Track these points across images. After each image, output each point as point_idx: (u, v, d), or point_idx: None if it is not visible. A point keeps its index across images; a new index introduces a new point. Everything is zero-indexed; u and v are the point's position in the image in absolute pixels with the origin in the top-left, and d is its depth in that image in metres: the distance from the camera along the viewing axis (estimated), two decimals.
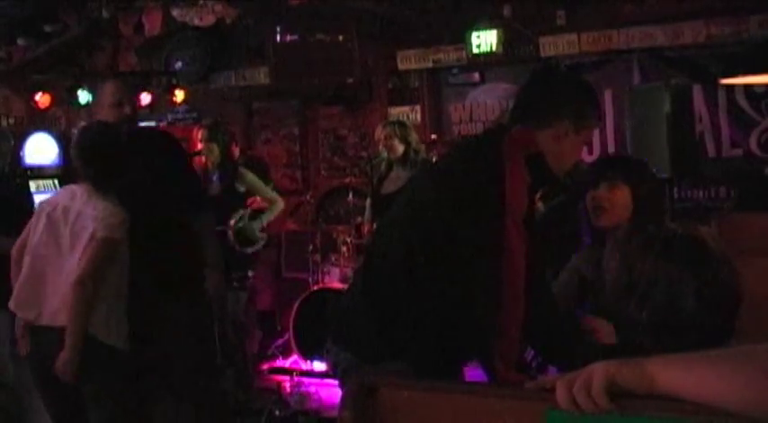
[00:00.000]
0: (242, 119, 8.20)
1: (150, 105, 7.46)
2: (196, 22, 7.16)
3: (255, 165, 6.47)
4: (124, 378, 3.46)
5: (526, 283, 2.33)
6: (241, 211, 5.70)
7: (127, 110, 3.85)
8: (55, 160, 9.00)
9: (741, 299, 1.69)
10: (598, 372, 1.16)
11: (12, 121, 9.07)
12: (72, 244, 3.39)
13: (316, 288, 6.21)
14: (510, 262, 2.29)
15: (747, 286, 1.70)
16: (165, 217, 3.83)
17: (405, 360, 2.33)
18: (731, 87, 6.12)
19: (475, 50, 6.86)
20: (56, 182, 8.82)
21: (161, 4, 7.47)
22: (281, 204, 5.94)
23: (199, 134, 5.88)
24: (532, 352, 2.77)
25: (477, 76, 7.34)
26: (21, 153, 8.59)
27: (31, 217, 3.91)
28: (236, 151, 6.10)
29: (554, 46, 6.71)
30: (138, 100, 7.77)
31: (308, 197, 7.14)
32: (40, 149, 8.88)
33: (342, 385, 2.53)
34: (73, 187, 3.55)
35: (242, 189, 5.79)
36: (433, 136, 6.72)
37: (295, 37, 7.46)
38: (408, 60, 7.37)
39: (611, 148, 6.63)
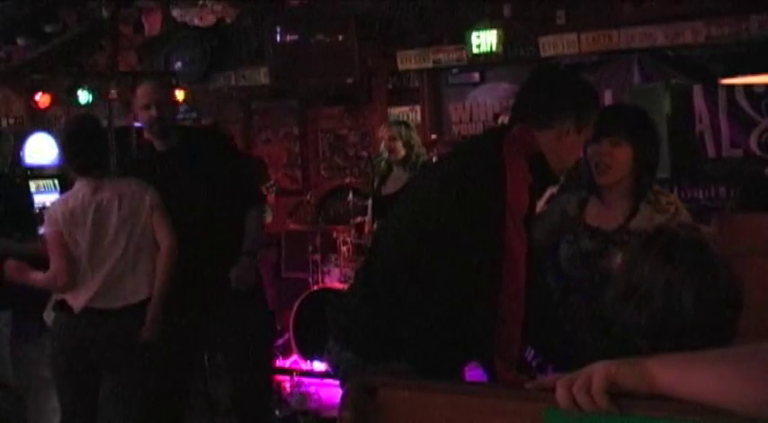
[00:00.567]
0: (242, 119, 8.21)
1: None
2: (196, 22, 7.17)
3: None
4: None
5: (526, 282, 2.33)
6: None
7: (154, 112, 3.85)
8: (55, 160, 9.01)
9: (742, 303, 1.68)
10: (598, 372, 1.16)
11: (12, 121, 9.07)
12: (124, 227, 3.46)
13: (316, 288, 6.21)
14: (510, 262, 2.29)
15: (747, 287, 1.70)
16: (209, 215, 3.85)
17: (405, 360, 2.33)
18: (731, 87, 6.13)
19: (475, 50, 6.86)
20: (56, 182, 8.84)
21: (161, 4, 7.48)
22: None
23: None
24: (532, 352, 2.77)
25: (477, 76, 7.35)
26: (21, 153, 8.61)
27: (31, 217, 3.93)
28: None
29: (554, 46, 6.71)
30: None
31: (307, 197, 7.14)
32: (40, 149, 8.90)
33: (342, 385, 2.53)
34: (75, 192, 3.54)
35: None
36: (433, 136, 6.72)
37: (295, 37, 7.47)
38: (408, 60, 7.37)
39: None
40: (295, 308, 6.13)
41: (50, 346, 3.56)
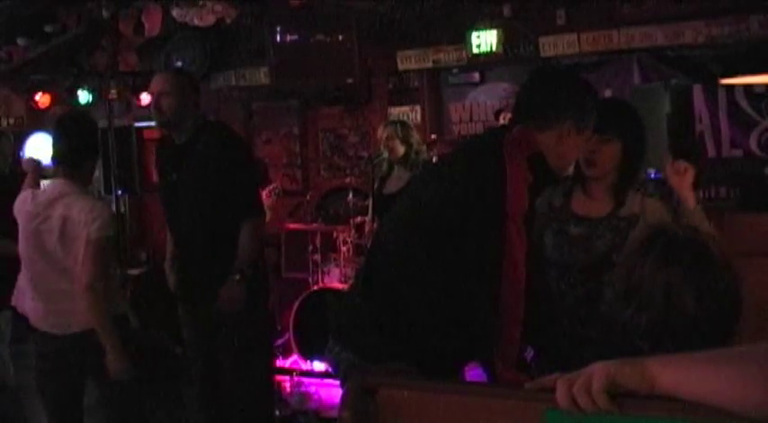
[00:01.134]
0: (242, 119, 8.20)
1: (150, 106, 7.45)
2: (196, 21, 7.16)
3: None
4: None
5: (526, 282, 2.33)
6: None
7: (162, 104, 3.84)
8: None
9: (743, 304, 1.68)
10: (598, 372, 1.16)
11: (12, 121, 9.07)
12: (64, 251, 3.40)
13: (316, 288, 6.21)
14: (510, 262, 2.29)
15: (747, 287, 1.70)
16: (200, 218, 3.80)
17: (405, 360, 2.33)
18: (731, 87, 6.12)
19: (475, 50, 6.86)
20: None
21: (161, 4, 7.47)
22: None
23: None
24: (532, 352, 2.77)
25: (477, 76, 7.35)
26: (21, 153, 8.60)
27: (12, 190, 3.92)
28: None
29: (554, 46, 6.70)
30: (139, 100, 7.81)
31: (307, 197, 7.14)
32: (40, 149, 8.89)
33: (342, 385, 2.53)
34: (39, 195, 3.53)
35: None
36: (433, 136, 6.72)
37: (295, 37, 7.46)
38: (408, 60, 7.37)
39: None
40: (295, 308, 6.13)
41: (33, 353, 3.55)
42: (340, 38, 7.25)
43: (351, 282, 6.04)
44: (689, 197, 2.79)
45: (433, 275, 2.38)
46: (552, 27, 6.73)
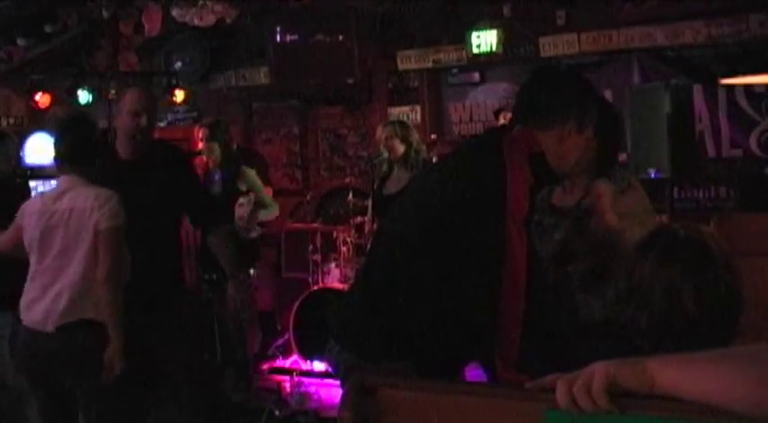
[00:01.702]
0: (242, 119, 8.20)
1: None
2: (196, 22, 7.16)
3: (254, 161, 6.46)
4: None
5: (526, 283, 2.33)
6: (248, 197, 5.67)
7: (143, 121, 3.76)
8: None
9: (743, 304, 1.68)
10: (598, 372, 1.16)
11: (12, 121, 9.07)
12: (69, 244, 3.37)
13: (316, 288, 6.21)
14: (511, 262, 2.29)
15: (747, 287, 1.70)
16: (152, 226, 3.80)
17: (405, 360, 2.33)
18: (731, 87, 6.13)
19: (475, 50, 6.86)
20: (55, 182, 8.83)
21: (161, 4, 7.47)
22: (275, 208, 5.92)
23: (200, 134, 5.88)
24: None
25: (477, 76, 7.35)
26: (21, 153, 8.60)
27: (16, 192, 3.91)
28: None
29: (554, 46, 6.71)
30: None
31: (307, 197, 7.14)
32: (40, 149, 8.89)
33: (342, 385, 2.53)
34: (45, 194, 3.53)
35: (244, 187, 5.78)
36: (433, 136, 6.72)
37: (295, 37, 7.46)
38: (408, 60, 7.37)
39: None
40: (295, 308, 6.13)
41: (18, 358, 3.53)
42: (340, 38, 7.26)
43: (351, 282, 6.05)
44: (605, 217, 2.82)
45: (434, 275, 2.38)
46: (552, 27, 6.73)
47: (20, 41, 8.20)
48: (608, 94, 6.44)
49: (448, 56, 7.19)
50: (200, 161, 5.89)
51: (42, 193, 3.56)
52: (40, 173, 7.27)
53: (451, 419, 1.27)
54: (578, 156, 2.55)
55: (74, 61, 8.38)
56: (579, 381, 1.16)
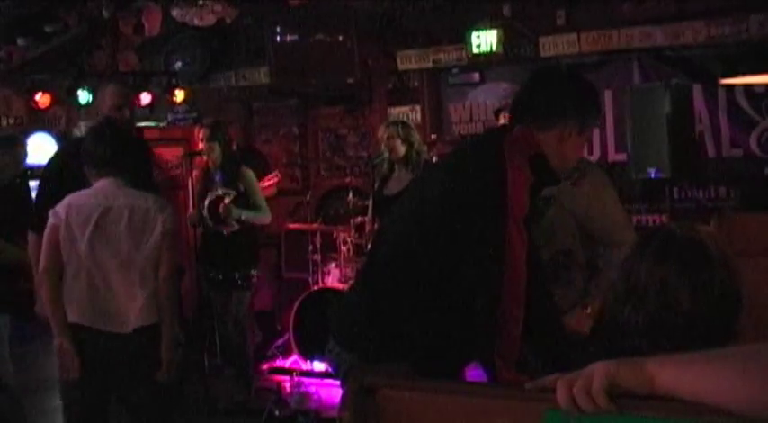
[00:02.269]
0: (242, 119, 8.20)
1: (150, 105, 7.47)
2: (196, 21, 7.16)
3: (255, 159, 6.45)
4: None
5: (527, 283, 2.33)
6: (232, 193, 5.62)
7: (126, 114, 3.89)
8: None
9: (741, 302, 1.68)
10: (598, 372, 1.16)
11: (12, 121, 9.07)
12: (133, 242, 3.38)
13: (316, 288, 6.21)
14: (511, 262, 2.29)
15: (747, 287, 1.70)
16: None
17: (405, 360, 2.33)
18: (731, 87, 6.13)
19: (475, 50, 6.86)
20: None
21: (161, 4, 7.47)
22: (265, 215, 5.80)
23: (200, 134, 5.88)
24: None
25: (477, 76, 7.35)
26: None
27: (31, 217, 3.90)
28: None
29: (554, 46, 6.71)
30: (138, 100, 7.81)
31: (307, 197, 7.14)
32: (40, 149, 8.89)
33: (342, 385, 2.53)
34: (92, 190, 3.47)
35: (243, 188, 5.78)
36: (433, 136, 6.72)
37: (295, 37, 7.46)
38: (408, 60, 7.37)
39: (610, 148, 6.63)
40: (295, 308, 6.13)
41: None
42: (340, 38, 7.25)
43: (351, 282, 6.05)
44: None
45: (434, 275, 2.38)
46: (552, 27, 6.73)
47: (20, 41, 8.20)
48: (608, 94, 6.45)
49: (448, 56, 7.19)
50: (199, 161, 5.90)
51: (78, 193, 3.48)
52: (39, 173, 7.26)
53: (451, 419, 1.27)
54: (579, 156, 2.56)
55: (74, 61, 8.37)
56: (579, 381, 1.16)
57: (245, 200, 5.65)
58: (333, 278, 6.33)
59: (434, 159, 5.52)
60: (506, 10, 6.81)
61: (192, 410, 5.27)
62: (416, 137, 5.70)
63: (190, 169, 5.91)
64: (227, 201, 5.54)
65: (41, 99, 8.31)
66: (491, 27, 6.78)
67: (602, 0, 6.57)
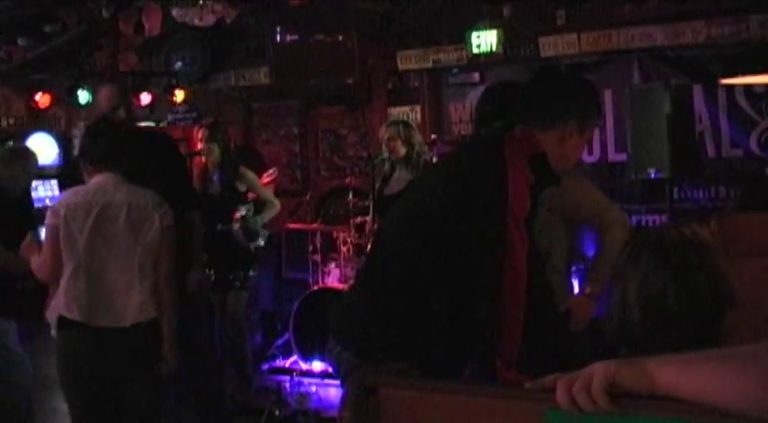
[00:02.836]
0: (242, 119, 8.21)
1: (150, 105, 7.48)
2: (196, 22, 7.16)
3: (252, 158, 6.45)
4: None
5: (527, 283, 2.33)
6: (247, 205, 5.72)
7: (121, 114, 3.91)
8: (55, 160, 9.02)
9: (725, 297, 1.67)
10: (598, 372, 1.16)
11: (12, 121, 9.08)
12: (131, 237, 3.38)
13: (316, 288, 6.21)
14: (511, 262, 2.29)
15: (747, 287, 1.70)
16: None
17: (405, 360, 2.33)
18: (731, 87, 6.12)
19: (475, 50, 6.86)
20: (55, 182, 8.84)
21: (161, 4, 7.47)
22: (277, 206, 5.93)
23: (199, 134, 5.88)
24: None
25: (477, 76, 7.35)
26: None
27: (31, 217, 3.90)
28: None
29: (554, 46, 6.71)
30: (138, 100, 7.81)
31: (307, 197, 7.14)
32: (40, 149, 8.89)
33: (342, 385, 2.53)
34: (89, 186, 3.46)
35: (243, 188, 5.79)
36: (433, 136, 6.72)
37: (295, 37, 7.46)
38: (408, 60, 7.37)
39: (611, 148, 6.63)
40: (295, 308, 6.13)
41: (59, 368, 3.45)
42: (340, 38, 7.26)
43: (351, 282, 6.05)
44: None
45: (434, 275, 2.38)
46: (552, 27, 6.73)
47: (20, 41, 8.20)
48: (608, 94, 6.44)
49: (448, 56, 7.19)
50: (198, 161, 5.90)
51: (75, 190, 3.49)
52: (39, 173, 7.26)
53: (451, 419, 1.27)
54: (580, 156, 2.56)
55: (74, 61, 8.38)
56: (579, 381, 1.16)
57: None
58: (333, 278, 6.33)
59: (434, 159, 5.52)
60: (506, 10, 6.80)
61: (191, 411, 5.27)
62: (418, 137, 5.69)
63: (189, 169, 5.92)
64: (243, 212, 5.65)
65: (41, 99, 8.32)
66: (491, 27, 6.78)
67: (603, 0, 6.57)
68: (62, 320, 3.36)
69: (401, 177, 5.58)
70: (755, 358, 1.11)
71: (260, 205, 5.85)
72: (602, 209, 3.37)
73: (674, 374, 1.13)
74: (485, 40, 6.80)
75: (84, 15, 7.94)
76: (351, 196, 6.44)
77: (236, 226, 5.63)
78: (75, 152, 9.28)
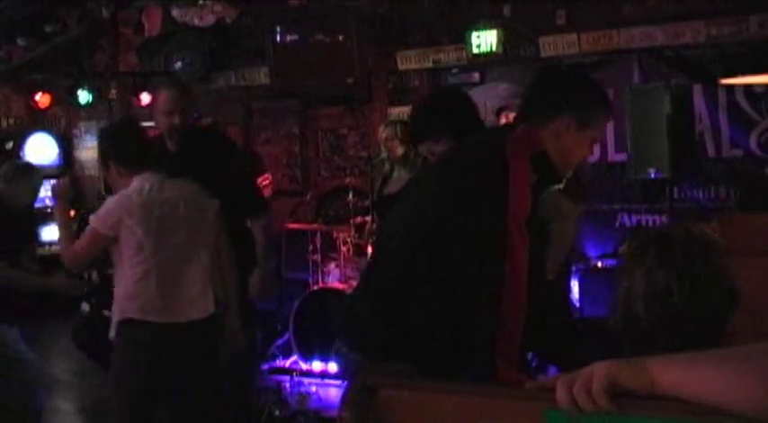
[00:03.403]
0: (242, 119, 8.20)
1: (150, 105, 7.46)
2: (196, 22, 7.17)
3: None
4: None
5: (528, 283, 2.33)
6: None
7: (176, 120, 3.86)
8: (55, 160, 9.03)
9: (726, 302, 1.67)
10: (598, 372, 1.16)
11: (12, 121, 9.08)
12: (194, 230, 3.39)
13: (316, 288, 6.21)
14: (512, 262, 2.29)
15: (747, 287, 1.70)
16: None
17: (408, 360, 2.34)
18: (731, 87, 6.12)
19: (475, 50, 6.86)
20: (54, 182, 8.83)
21: (161, 4, 7.48)
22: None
23: None
24: (536, 359, 2.78)
25: (477, 76, 7.35)
26: (21, 153, 8.61)
27: (32, 218, 3.90)
28: None
29: (554, 46, 6.71)
30: (138, 100, 7.82)
31: (307, 197, 7.14)
32: (40, 149, 8.91)
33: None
34: (137, 188, 3.39)
35: None
36: None
37: (295, 37, 7.47)
38: (408, 60, 7.38)
39: (610, 148, 6.63)
40: (295, 308, 6.13)
41: (123, 370, 3.36)
42: (340, 38, 7.26)
43: (351, 282, 6.06)
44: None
45: (434, 275, 2.38)
46: (552, 27, 6.73)
47: (20, 41, 8.21)
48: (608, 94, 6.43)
49: (448, 56, 7.20)
50: None
51: (124, 195, 3.40)
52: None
53: (451, 419, 1.27)
54: (584, 154, 2.53)
55: (74, 61, 8.38)
56: (579, 381, 1.16)
57: None
58: (333, 278, 6.32)
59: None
60: (506, 10, 6.81)
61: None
62: None
63: None
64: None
65: (41, 99, 8.32)
66: (491, 27, 6.78)
67: (603, 0, 6.58)
68: (132, 322, 3.30)
69: (400, 177, 5.58)
70: (755, 358, 1.11)
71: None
72: (560, 202, 3.51)
73: (674, 374, 1.13)
74: (485, 40, 6.80)
75: (84, 15, 7.95)
76: (351, 196, 6.44)
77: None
78: (75, 152, 9.34)
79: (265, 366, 6.34)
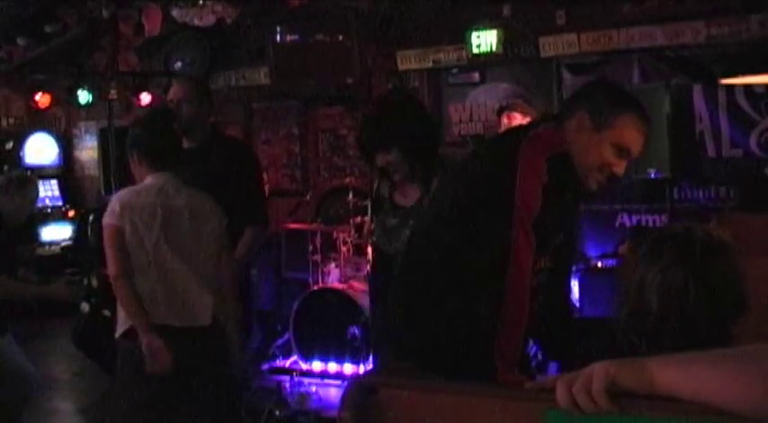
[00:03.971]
0: (242, 119, 8.21)
1: (150, 105, 7.47)
2: (196, 22, 7.17)
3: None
4: None
5: (556, 282, 2.33)
6: None
7: (183, 110, 3.91)
8: (55, 160, 9.04)
9: (737, 304, 1.68)
10: (598, 372, 1.16)
11: (12, 121, 9.08)
12: (196, 239, 3.37)
13: (316, 288, 6.21)
14: (516, 263, 2.28)
15: (747, 287, 1.70)
16: None
17: (410, 360, 2.35)
18: (731, 87, 6.12)
19: (475, 50, 6.86)
20: (55, 182, 8.85)
21: (161, 4, 7.48)
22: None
23: None
24: (534, 348, 2.78)
25: (477, 76, 7.35)
26: (21, 153, 8.62)
27: (32, 218, 3.89)
28: None
29: (554, 46, 6.71)
30: (138, 100, 7.82)
31: (307, 197, 7.14)
32: (40, 149, 8.92)
33: None
34: (149, 187, 3.38)
35: None
36: None
37: (295, 37, 7.47)
38: (408, 60, 7.38)
39: None
40: (295, 308, 6.13)
41: (128, 378, 3.36)
42: (340, 38, 7.26)
43: (351, 282, 6.08)
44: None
45: (441, 276, 2.40)
46: (552, 27, 6.73)
47: (20, 41, 8.21)
48: None
49: (448, 56, 7.20)
50: None
51: (134, 190, 3.38)
52: (39, 173, 7.27)
53: (452, 419, 1.27)
54: (604, 161, 2.43)
55: (74, 61, 8.38)
56: (579, 381, 1.16)
57: None
58: (333, 278, 6.33)
59: None
60: (506, 10, 6.81)
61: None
62: None
63: None
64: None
65: (41, 99, 8.33)
66: (491, 27, 6.79)
67: (603, 0, 6.58)
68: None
69: None
70: (755, 359, 1.11)
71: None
72: None
73: (674, 374, 1.13)
74: (485, 39, 6.80)
75: (84, 15, 7.95)
76: (351, 196, 6.44)
77: None
78: (75, 152, 9.34)
79: (265, 366, 6.35)
